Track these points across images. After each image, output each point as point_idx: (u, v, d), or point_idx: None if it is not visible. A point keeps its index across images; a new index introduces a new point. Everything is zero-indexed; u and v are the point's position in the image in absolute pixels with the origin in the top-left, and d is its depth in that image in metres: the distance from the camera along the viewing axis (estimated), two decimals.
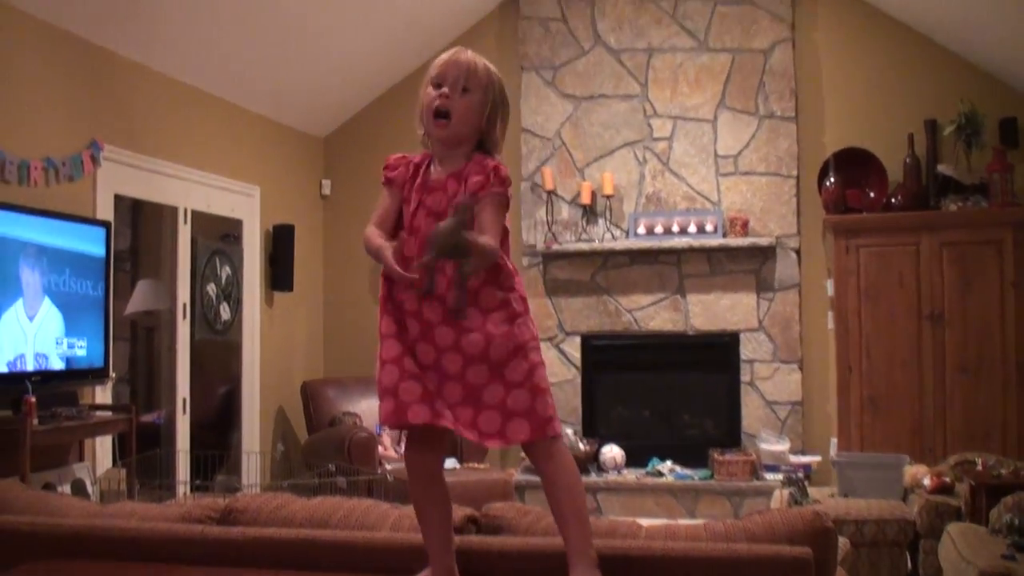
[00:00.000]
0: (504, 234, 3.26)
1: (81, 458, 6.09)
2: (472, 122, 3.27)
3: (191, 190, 7.48)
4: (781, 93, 8.44)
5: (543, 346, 8.70)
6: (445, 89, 3.27)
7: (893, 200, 8.00)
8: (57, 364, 5.78)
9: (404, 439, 3.40)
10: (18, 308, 5.49)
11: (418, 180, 3.29)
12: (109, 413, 6.05)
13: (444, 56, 3.34)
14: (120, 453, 6.16)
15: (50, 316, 5.73)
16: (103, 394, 6.47)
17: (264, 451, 8.20)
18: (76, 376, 6.01)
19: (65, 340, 5.83)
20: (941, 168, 7.99)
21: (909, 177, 8.05)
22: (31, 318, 5.58)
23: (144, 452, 6.32)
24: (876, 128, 8.29)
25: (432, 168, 3.32)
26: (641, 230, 8.56)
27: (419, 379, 3.20)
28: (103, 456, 6.37)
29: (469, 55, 3.31)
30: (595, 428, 8.65)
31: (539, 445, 3.28)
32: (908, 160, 8.07)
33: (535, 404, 3.24)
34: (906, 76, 8.33)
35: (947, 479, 6.21)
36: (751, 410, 8.42)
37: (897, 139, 8.14)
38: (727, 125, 8.52)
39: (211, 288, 7.79)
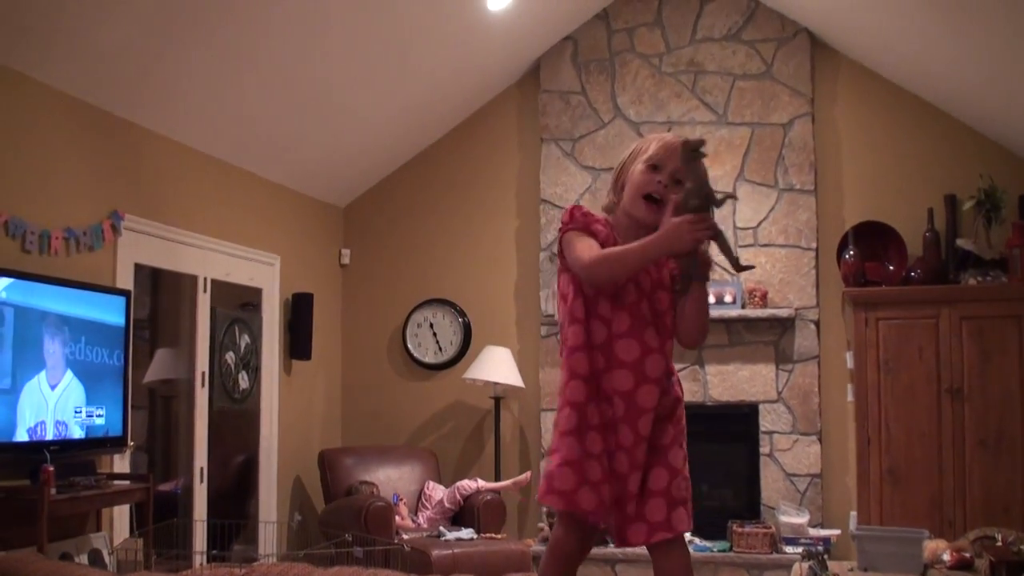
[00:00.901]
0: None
1: (98, 528, 6.08)
2: (670, 213, 3.27)
3: (211, 259, 7.52)
4: (800, 166, 8.47)
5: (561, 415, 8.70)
6: (663, 178, 3.29)
7: (912, 274, 7.99)
8: (76, 433, 5.79)
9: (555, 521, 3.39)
10: (41, 377, 5.51)
11: None
12: (127, 482, 6.04)
13: (667, 138, 3.38)
14: (137, 522, 6.14)
15: (73, 385, 5.74)
16: (121, 463, 6.47)
17: (281, 520, 8.18)
18: (94, 445, 6.01)
19: (84, 409, 5.84)
20: (960, 243, 7.99)
21: (928, 251, 8.05)
22: (53, 387, 5.60)
23: (161, 521, 6.31)
24: (895, 202, 8.31)
25: (619, 239, 3.36)
26: None
27: (611, 484, 3.20)
28: (120, 526, 6.35)
29: (688, 146, 3.32)
30: None
31: (674, 540, 3.28)
32: (927, 234, 8.07)
33: (688, 494, 3.26)
34: (926, 151, 8.36)
35: (967, 555, 6.16)
36: (770, 482, 8.38)
37: (916, 213, 8.16)
38: (746, 197, 8.54)
39: (230, 357, 7.80)
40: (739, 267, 3.27)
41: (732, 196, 3.30)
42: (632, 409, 3.21)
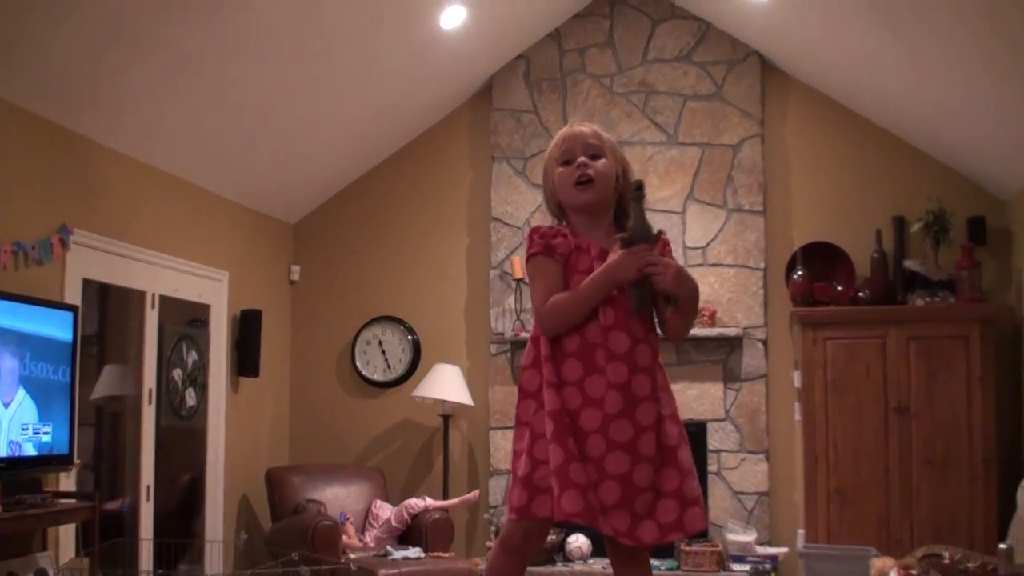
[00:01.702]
0: None
1: (44, 547, 5.98)
2: (610, 183, 3.41)
3: (159, 275, 7.45)
4: (750, 187, 8.53)
5: (511, 433, 8.70)
6: (581, 158, 3.38)
7: (860, 294, 8.06)
8: (29, 451, 5.70)
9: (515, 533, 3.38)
10: None
11: (594, 251, 3.36)
12: (73, 501, 5.94)
13: (560, 135, 3.47)
14: (83, 542, 6.05)
15: (25, 404, 5.66)
16: (67, 481, 6.38)
17: (227, 539, 8.11)
18: (41, 463, 5.92)
19: (31, 426, 5.76)
20: (908, 264, 8.07)
21: (876, 272, 8.12)
22: (6, 405, 5.52)
23: (107, 541, 6.23)
24: (844, 223, 8.38)
25: (587, 241, 3.39)
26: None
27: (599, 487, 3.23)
28: (66, 545, 6.25)
29: (581, 126, 3.46)
30: None
31: (640, 549, 3.31)
32: (876, 255, 8.15)
33: (700, 493, 3.30)
34: (874, 173, 8.44)
35: (914, 572, 6.20)
36: (718, 500, 8.40)
37: (865, 234, 8.23)
38: (696, 217, 8.59)
39: (177, 373, 7.74)
40: (669, 300, 3.31)
41: (661, 232, 3.37)
42: (629, 400, 3.23)
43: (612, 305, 3.28)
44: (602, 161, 3.40)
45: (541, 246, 3.37)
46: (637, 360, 3.27)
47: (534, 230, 3.43)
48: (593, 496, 3.18)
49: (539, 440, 3.29)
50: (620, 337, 3.27)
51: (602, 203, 3.43)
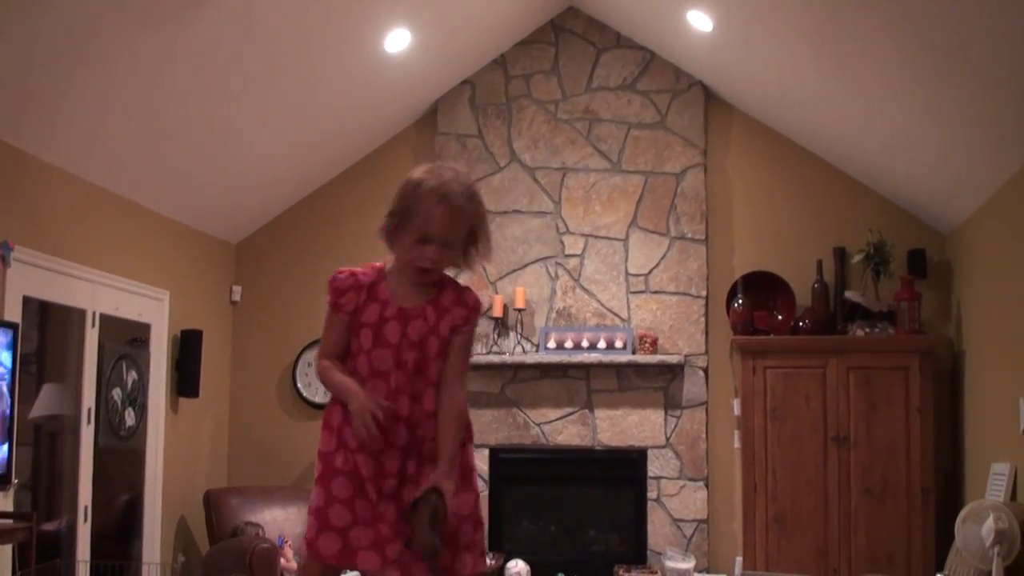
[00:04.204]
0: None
1: None
2: (449, 263, 3.31)
3: (100, 293, 7.37)
4: (692, 215, 8.59)
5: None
6: (432, 250, 3.24)
7: (800, 324, 8.13)
8: None
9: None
10: None
11: (391, 309, 3.28)
12: (10, 521, 5.86)
13: (434, 206, 3.24)
14: (20, 563, 5.97)
15: None
16: (5, 501, 6.30)
17: (165, 562, 8.03)
18: None
19: None
20: (849, 295, 8.16)
21: (817, 302, 8.20)
22: None
23: (44, 562, 6.14)
24: (785, 253, 8.47)
25: (392, 286, 3.32)
26: (551, 344, 8.60)
27: (371, 524, 3.16)
28: (3, 566, 6.15)
29: (455, 196, 3.24)
30: (501, 542, 8.57)
31: None
32: (816, 286, 8.23)
33: (476, 536, 3.23)
34: (816, 204, 8.54)
35: None
36: (657, 527, 8.43)
37: (806, 265, 8.32)
38: (638, 244, 8.63)
39: (116, 393, 7.66)
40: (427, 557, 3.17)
41: (437, 551, 3.16)
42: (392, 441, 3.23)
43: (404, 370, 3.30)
44: (450, 250, 3.30)
45: (331, 301, 3.38)
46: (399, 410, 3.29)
47: (333, 278, 3.39)
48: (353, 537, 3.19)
49: (338, 477, 3.25)
50: (377, 386, 3.28)
51: (430, 281, 3.39)
